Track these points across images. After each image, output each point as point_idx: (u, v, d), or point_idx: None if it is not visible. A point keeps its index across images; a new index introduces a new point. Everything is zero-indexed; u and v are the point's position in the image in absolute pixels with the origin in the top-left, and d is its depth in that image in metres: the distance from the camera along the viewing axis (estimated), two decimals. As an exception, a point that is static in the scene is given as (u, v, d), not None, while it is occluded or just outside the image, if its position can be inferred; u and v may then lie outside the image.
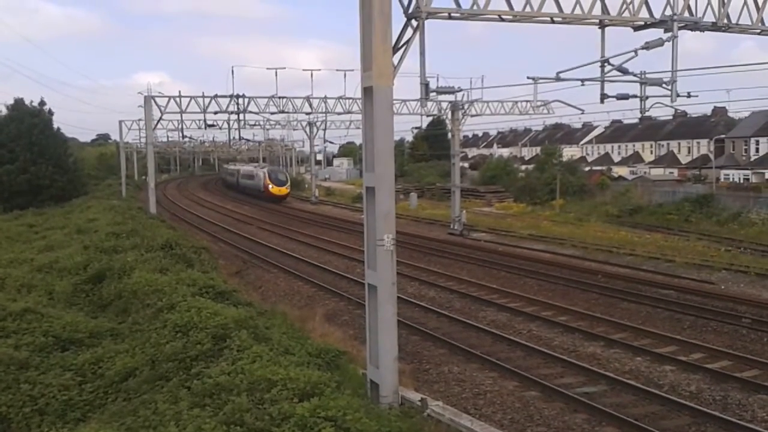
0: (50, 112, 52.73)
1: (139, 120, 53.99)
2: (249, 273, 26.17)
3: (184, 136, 60.70)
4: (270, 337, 12.29)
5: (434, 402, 11.07)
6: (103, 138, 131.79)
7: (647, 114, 20.00)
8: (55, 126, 53.88)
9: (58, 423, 9.83)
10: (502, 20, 13.93)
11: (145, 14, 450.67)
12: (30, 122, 49.68)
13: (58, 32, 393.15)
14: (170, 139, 79.59)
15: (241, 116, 41.79)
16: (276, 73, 40.29)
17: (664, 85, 15.66)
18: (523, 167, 76.93)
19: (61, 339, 12.75)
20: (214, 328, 11.71)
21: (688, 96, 16.34)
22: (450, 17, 13.11)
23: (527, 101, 41.21)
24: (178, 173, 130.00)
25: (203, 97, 39.37)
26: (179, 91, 48.04)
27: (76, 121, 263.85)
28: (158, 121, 41.72)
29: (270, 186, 62.68)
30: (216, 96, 39.31)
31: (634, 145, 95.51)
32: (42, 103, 52.41)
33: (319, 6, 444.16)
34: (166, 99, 39.80)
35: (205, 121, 42.55)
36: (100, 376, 11.22)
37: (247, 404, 8.78)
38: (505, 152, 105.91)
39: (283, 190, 63.53)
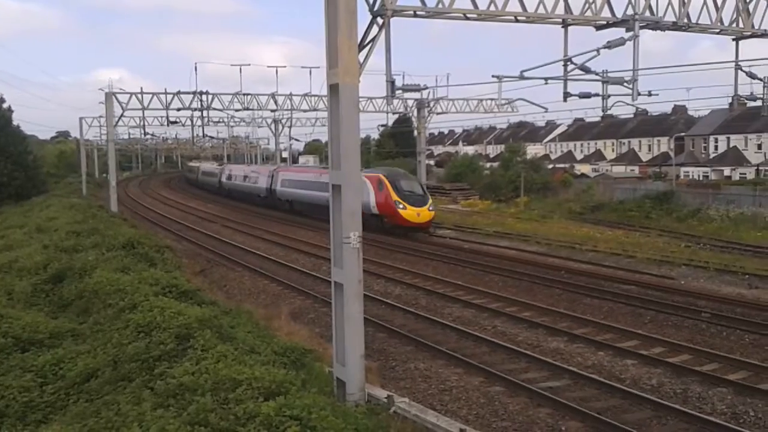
0: (9, 110, 51.78)
1: (100, 117, 53.31)
2: (213, 272, 25.92)
3: (146, 133, 59.49)
4: (235, 336, 12.20)
5: (400, 399, 11.09)
6: (63, 135, 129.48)
7: (609, 112, 20.32)
8: (15, 123, 52.93)
9: (19, 425, 9.62)
10: (467, 19, 14.03)
11: (104, 9, 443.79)
12: (-12, 120, 48.78)
13: (16, 27, 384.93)
14: (132, 136, 78.63)
15: (205, 113, 41.48)
16: (240, 69, 40.31)
17: (625, 84, 15.92)
18: (488, 165, 77.48)
19: (21, 340, 12.47)
20: (178, 327, 11.56)
21: (649, 95, 16.64)
22: (415, 15, 13.15)
23: (492, 99, 41.76)
24: (140, 171, 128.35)
25: (166, 93, 39.06)
26: (141, 88, 47.58)
27: (36, 117, 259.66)
28: (119, 118, 41.25)
29: (401, 206, 34.90)
30: (179, 92, 39.01)
31: (596, 143, 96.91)
32: (1, 100, 51.47)
33: (283, 2, 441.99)
34: (128, 95, 39.41)
35: (167, 117, 42.13)
36: (61, 377, 11.00)
37: (211, 404, 8.69)
38: (470, 150, 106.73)
39: (426, 214, 35.43)
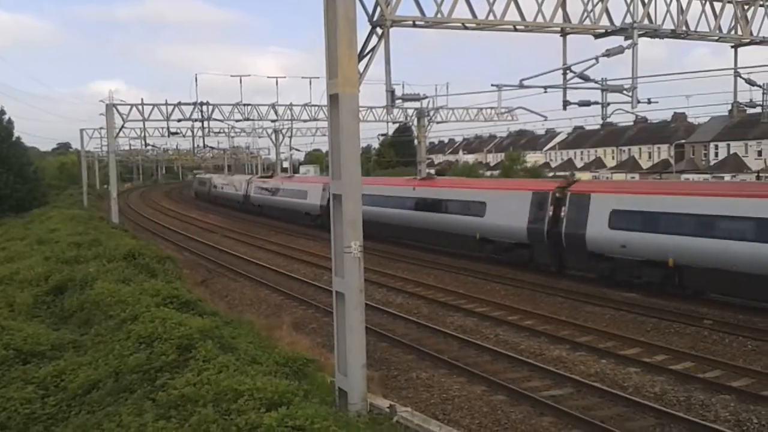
0: (10, 122, 51.89)
1: (101, 128, 53.24)
2: (215, 282, 25.91)
3: (146, 144, 59.31)
4: (236, 347, 12.18)
5: (403, 408, 11.06)
6: (64, 147, 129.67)
7: (609, 120, 20.35)
8: (15, 135, 53.06)
9: (20, 438, 9.63)
10: (466, 28, 14.05)
11: (97, 21, 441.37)
12: (-11, 132, 48.91)
13: (9, 38, 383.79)
14: (132, 147, 78.67)
15: (206, 124, 41.40)
16: (241, 80, 40.14)
17: (624, 92, 15.96)
18: (489, 173, 77.52)
19: (23, 352, 12.48)
20: (179, 338, 11.55)
21: (649, 102, 16.69)
22: (414, 25, 13.17)
23: (492, 108, 41.68)
24: (141, 182, 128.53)
25: (166, 104, 38.98)
26: (141, 99, 47.45)
27: (36, 129, 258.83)
28: (120, 129, 41.16)
29: None
30: (179, 103, 38.92)
31: (596, 151, 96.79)
32: (2, 112, 51.58)
33: (275, 13, 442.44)
34: (128, 107, 39.37)
35: (168, 128, 42.05)
36: (62, 388, 11.00)
37: (213, 415, 8.68)
38: (470, 158, 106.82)
39: None
